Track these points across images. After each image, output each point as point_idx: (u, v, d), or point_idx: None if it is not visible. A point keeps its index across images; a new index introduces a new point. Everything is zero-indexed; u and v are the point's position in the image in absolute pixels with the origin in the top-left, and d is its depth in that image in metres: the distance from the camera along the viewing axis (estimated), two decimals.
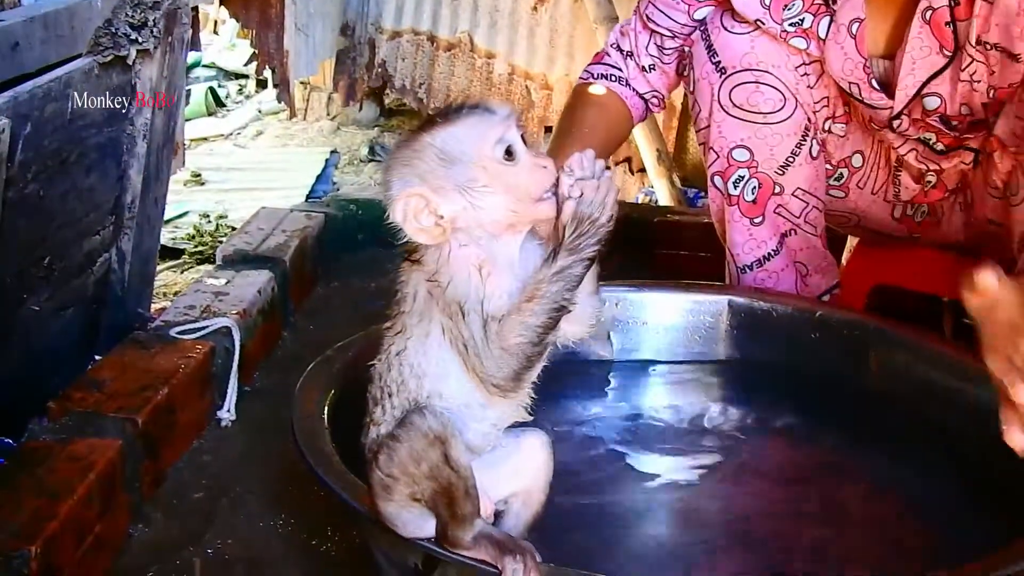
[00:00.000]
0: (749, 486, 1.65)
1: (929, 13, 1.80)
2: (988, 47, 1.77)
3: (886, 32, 1.90)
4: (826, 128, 2.01)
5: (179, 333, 1.93)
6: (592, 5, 4.22)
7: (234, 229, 3.37)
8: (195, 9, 2.26)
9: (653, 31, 2.07)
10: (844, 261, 2.38)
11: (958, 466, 1.62)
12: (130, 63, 1.82)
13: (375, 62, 4.91)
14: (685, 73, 2.05)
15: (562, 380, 1.51)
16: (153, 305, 2.29)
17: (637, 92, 2.12)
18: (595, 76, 2.13)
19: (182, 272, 3.52)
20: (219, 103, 5.84)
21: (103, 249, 1.94)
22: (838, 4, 1.88)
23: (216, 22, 6.53)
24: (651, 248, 2.70)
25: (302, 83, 5.11)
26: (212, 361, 1.90)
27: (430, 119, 1.16)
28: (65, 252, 1.80)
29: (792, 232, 2.01)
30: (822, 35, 1.90)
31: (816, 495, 1.64)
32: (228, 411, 1.91)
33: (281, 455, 1.71)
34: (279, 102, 4.60)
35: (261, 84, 5.96)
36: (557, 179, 1.13)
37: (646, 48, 2.09)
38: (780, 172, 1.97)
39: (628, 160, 4.40)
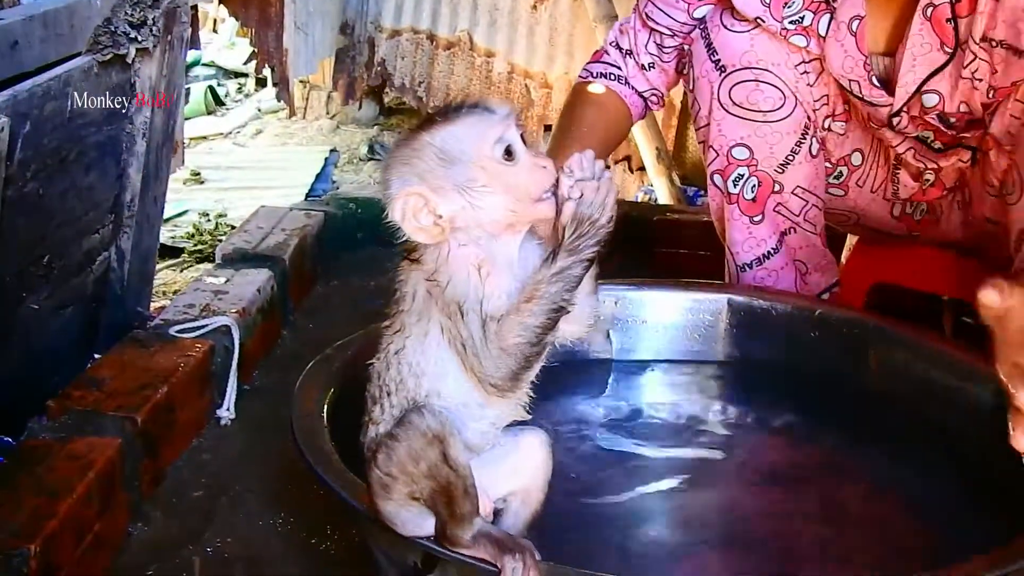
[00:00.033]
0: (749, 485, 1.65)
1: (930, 10, 1.80)
2: (994, 44, 1.76)
3: (886, 29, 1.90)
4: (826, 126, 2.01)
5: (178, 332, 1.93)
6: (591, 3, 4.22)
7: (233, 228, 3.38)
8: (194, 7, 2.26)
9: (652, 29, 2.06)
10: (843, 259, 2.38)
11: (958, 466, 1.62)
12: (129, 62, 1.82)
13: (374, 61, 4.91)
14: (685, 71, 2.05)
15: (561, 379, 1.51)
16: (152, 304, 2.29)
17: (636, 90, 2.11)
18: (594, 74, 2.13)
19: (181, 271, 3.52)
20: (218, 102, 5.84)
21: (102, 248, 1.94)
22: (838, 1, 1.87)
23: (215, 20, 6.53)
24: (650, 246, 2.70)
25: (301, 82, 5.11)
26: (211, 360, 1.90)
27: (429, 118, 1.16)
28: (64, 251, 1.80)
29: (792, 230, 2.01)
30: (822, 32, 1.90)
31: (816, 495, 1.63)
32: (227, 410, 1.91)
33: (280, 454, 1.71)
34: (278, 101, 4.61)
35: (260, 83, 5.96)
36: (557, 179, 1.13)
37: (645, 46, 2.09)
38: (780, 170, 1.97)
39: (628, 158, 4.40)
